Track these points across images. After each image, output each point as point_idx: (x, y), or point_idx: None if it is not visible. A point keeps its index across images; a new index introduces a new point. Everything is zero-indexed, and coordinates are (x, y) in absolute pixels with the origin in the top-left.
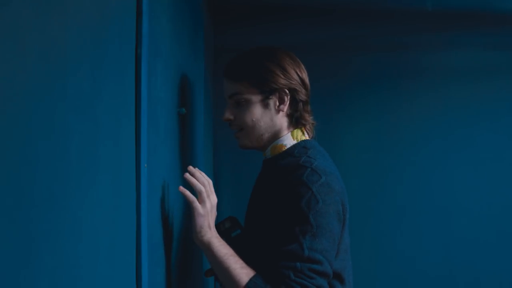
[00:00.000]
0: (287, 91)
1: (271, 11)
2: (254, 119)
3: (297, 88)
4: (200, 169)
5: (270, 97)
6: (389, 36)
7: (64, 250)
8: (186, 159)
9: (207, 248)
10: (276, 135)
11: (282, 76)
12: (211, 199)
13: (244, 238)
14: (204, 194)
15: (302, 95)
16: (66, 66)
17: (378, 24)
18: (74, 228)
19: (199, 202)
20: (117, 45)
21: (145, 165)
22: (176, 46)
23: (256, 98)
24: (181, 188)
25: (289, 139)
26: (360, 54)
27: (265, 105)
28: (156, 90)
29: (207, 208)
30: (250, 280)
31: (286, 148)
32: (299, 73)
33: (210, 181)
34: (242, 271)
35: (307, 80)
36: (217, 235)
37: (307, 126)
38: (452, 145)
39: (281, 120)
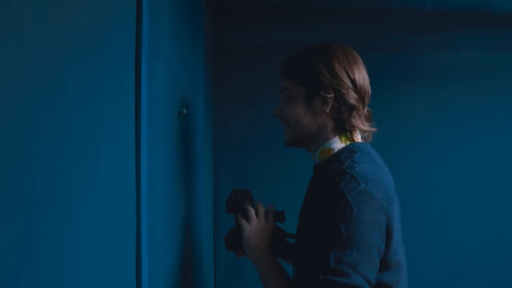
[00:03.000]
0: (331, 91)
1: (271, 11)
2: (296, 116)
3: (343, 90)
4: (200, 169)
5: (314, 95)
6: (389, 36)
7: (64, 250)
8: (186, 159)
9: (254, 263)
10: (321, 137)
11: (328, 75)
12: (259, 220)
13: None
14: (252, 215)
15: (350, 98)
16: (66, 66)
17: (378, 24)
18: (74, 228)
19: (247, 221)
20: (117, 45)
21: (145, 165)
22: (176, 46)
23: (300, 95)
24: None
25: (337, 143)
26: (360, 54)
27: (309, 104)
28: (156, 90)
29: (252, 226)
30: None
31: (333, 152)
32: (351, 74)
33: (271, 208)
34: (280, 286)
35: (362, 82)
36: (267, 251)
37: (359, 132)
38: (452, 145)
39: (325, 121)
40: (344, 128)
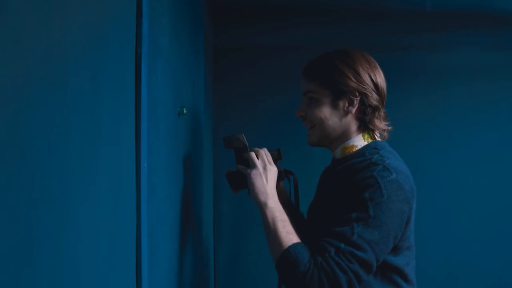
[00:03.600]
0: (357, 94)
1: (271, 11)
2: (322, 117)
3: (368, 93)
4: (200, 169)
5: (340, 98)
6: (389, 36)
7: (64, 250)
8: (186, 159)
9: (261, 208)
10: (344, 136)
11: (354, 79)
12: (265, 164)
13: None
14: (253, 160)
15: (373, 100)
16: (66, 66)
17: (378, 24)
18: (74, 228)
19: (251, 167)
20: (117, 45)
21: (145, 165)
22: (176, 46)
23: (326, 97)
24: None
25: (360, 140)
26: None
27: (335, 106)
28: (156, 90)
29: (256, 170)
30: (293, 244)
31: (357, 148)
32: (373, 77)
33: (266, 150)
34: (288, 236)
35: (382, 86)
36: (274, 197)
37: (378, 131)
38: (452, 145)
39: (350, 122)
40: (367, 128)
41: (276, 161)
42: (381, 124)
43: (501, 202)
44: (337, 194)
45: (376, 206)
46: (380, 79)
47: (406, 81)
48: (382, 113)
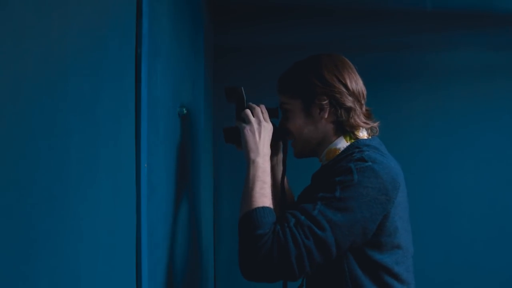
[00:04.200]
0: (325, 98)
1: (271, 11)
2: (298, 127)
3: (337, 95)
4: (200, 169)
5: (311, 105)
6: (389, 36)
7: (64, 250)
8: (186, 159)
9: (247, 164)
10: (326, 141)
11: (320, 84)
12: (259, 121)
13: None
14: (248, 116)
15: (345, 101)
16: (66, 66)
17: (378, 24)
18: (74, 228)
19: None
20: (117, 45)
21: (145, 165)
22: (176, 46)
23: (298, 107)
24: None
25: (343, 142)
26: (360, 54)
27: (307, 114)
28: (156, 90)
29: (249, 126)
30: (262, 207)
31: (340, 151)
32: (341, 79)
33: (263, 107)
34: (261, 198)
35: (354, 85)
36: (265, 157)
37: (364, 130)
38: (452, 145)
39: (326, 127)
40: (345, 129)
41: (272, 117)
42: (361, 122)
43: (501, 202)
44: (317, 186)
45: (344, 189)
46: (351, 79)
47: (406, 81)
48: (360, 112)
